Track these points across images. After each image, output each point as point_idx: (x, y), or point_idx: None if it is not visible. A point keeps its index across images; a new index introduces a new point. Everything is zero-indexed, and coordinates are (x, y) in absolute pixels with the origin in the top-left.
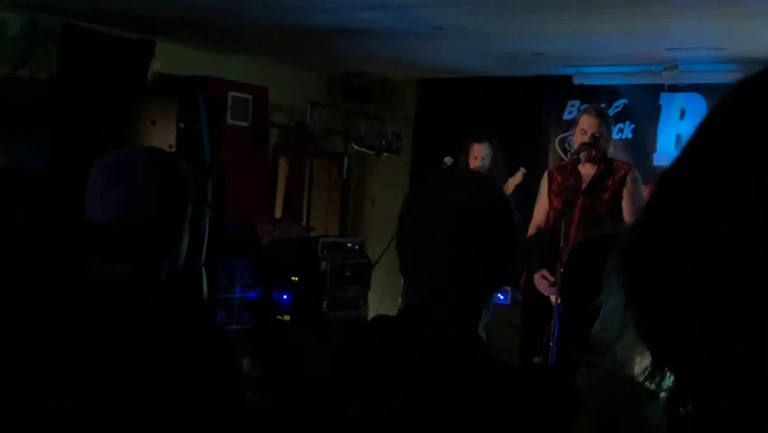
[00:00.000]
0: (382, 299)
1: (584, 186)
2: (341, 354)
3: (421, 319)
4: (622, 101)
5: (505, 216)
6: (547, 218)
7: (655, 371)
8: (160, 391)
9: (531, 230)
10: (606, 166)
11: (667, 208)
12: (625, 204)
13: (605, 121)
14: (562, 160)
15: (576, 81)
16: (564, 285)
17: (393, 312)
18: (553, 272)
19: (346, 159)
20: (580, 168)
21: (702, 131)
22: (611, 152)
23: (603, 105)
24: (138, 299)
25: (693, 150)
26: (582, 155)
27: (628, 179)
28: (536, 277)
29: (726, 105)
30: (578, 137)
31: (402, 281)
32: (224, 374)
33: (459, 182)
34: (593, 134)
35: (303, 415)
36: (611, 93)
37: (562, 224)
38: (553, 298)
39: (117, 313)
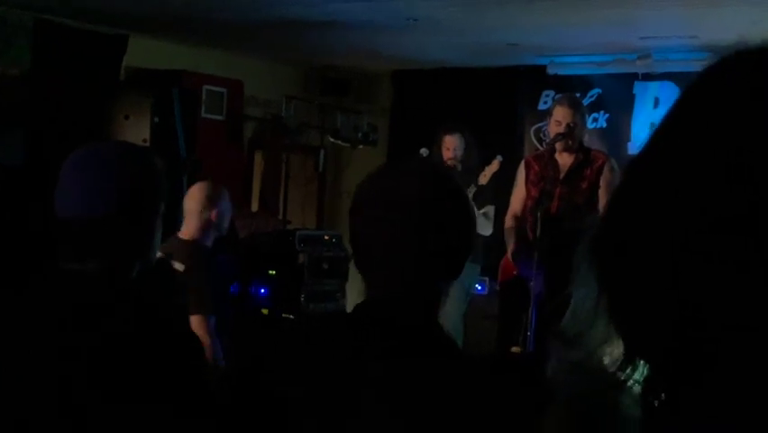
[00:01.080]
0: (361, 292)
1: (562, 175)
2: (291, 355)
3: (376, 314)
4: (596, 90)
5: (457, 204)
6: (524, 207)
7: (627, 361)
8: (121, 392)
9: (508, 219)
10: (583, 155)
11: (637, 195)
12: (602, 193)
13: (579, 110)
14: (538, 149)
15: (550, 71)
16: (544, 275)
17: None
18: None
19: (322, 152)
20: (557, 157)
21: (670, 118)
22: (586, 140)
23: (578, 95)
24: (106, 298)
25: (661, 137)
26: (558, 145)
27: (606, 168)
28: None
29: (693, 92)
30: (553, 128)
31: None
32: (188, 376)
33: (408, 173)
34: (568, 124)
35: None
36: (585, 83)
37: (538, 213)
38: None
39: (84, 312)
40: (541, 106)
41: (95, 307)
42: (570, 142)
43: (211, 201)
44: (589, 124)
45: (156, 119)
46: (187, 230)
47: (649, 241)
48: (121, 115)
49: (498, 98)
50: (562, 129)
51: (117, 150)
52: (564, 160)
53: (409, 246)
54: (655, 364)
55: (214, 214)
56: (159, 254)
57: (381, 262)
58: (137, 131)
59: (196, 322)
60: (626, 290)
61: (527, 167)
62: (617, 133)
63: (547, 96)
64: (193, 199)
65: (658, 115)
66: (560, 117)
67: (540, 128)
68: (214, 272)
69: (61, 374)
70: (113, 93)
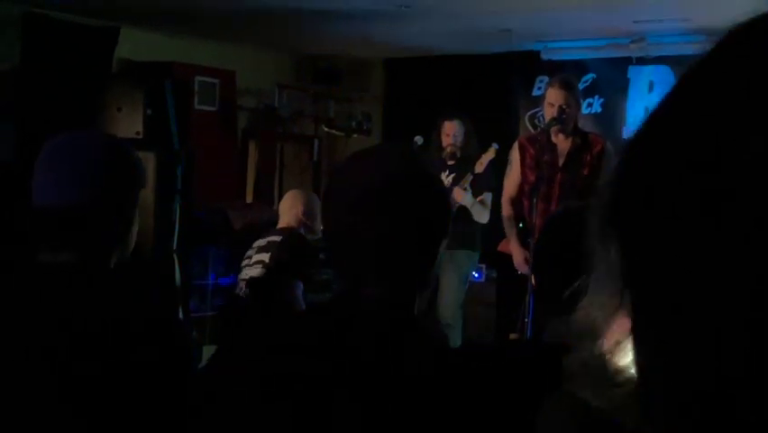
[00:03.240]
0: None
1: (561, 161)
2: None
3: (350, 310)
4: (590, 75)
5: (430, 189)
6: (520, 191)
7: None
8: (97, 387)
9: (504, 204)
10: (581, 140)
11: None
12: (604, 178)
13: (572, 92)
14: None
15: (544, 57)
16: (538, 259)
17: None
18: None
19: (316, 141)
20: (554, 141)
21: (673, 96)
22: (581, 124)
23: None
24: (83, 289)
25: (661, 116)
26: (553, 130)
27: (606, 152)
28: (519, 260)
29: (695, 70)
30: (547, 111)
31: None
32: (166, 370)
33: (378, 160)
34: (560, 107)
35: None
36: (580, 67)
37: (535, 200)
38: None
39: (60, 303)
40: (535, 92)
41: (70, 299)
42: (566, 125)
43: (293, 204)
44: (584, 110)
45: (149, 111)
46: (281, 223)
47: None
48: (113, 107)
49: (492, 85)
50: (555, 112)
51: (91, 140)
52: (562, 144)
53: (379, 236)
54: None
55: (301, 211)
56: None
57: (350, 254)
58: (130, 123)
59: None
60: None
61: (522, 150)
62: (611, 117)
63: (541, 81)
64: (285, 200)
65: (653, 99)
66: (552, 99)
67: (535, 114)
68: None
69: (36, 368)
70: (104, 86)
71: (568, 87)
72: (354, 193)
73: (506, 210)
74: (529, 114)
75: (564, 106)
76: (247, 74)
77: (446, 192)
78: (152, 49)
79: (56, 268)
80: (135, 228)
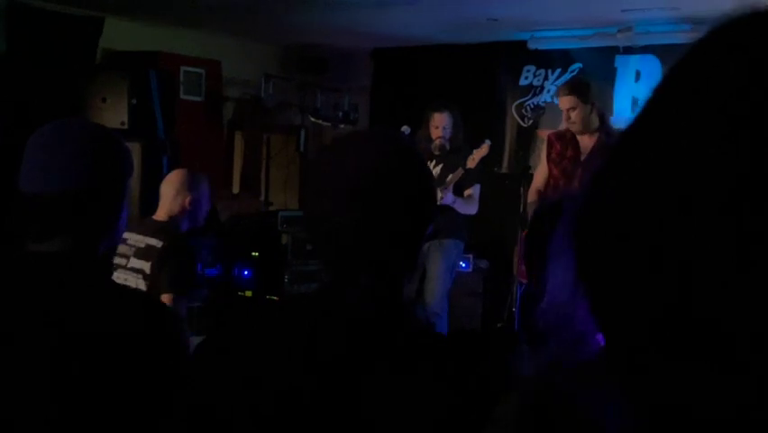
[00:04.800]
0: None
1: (583, 157)
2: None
3: (334, 300)
4: (577, 65)
5: (414, 174)
6: (547, 184)
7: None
8: (88, 376)
9: (531, 193)
10: (606, 137)
11: (627, 170)
12: None
13: (576, 94)
14: (520, 126)
15: (531, 46)
16: (525, 253)
17: None
18: None
19: (303, 131)
20: (579, 138)
21: (662, 88)
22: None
23: (558, 70)
24: (70, 278)
25: (653, 108)
26: (572, 129)
27: None
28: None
29: (684, 63)
30: (563, 117)
31: None
32: (159, 358)
33: (361, 144)
34: (567, 111)
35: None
36: (566, 57)
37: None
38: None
39: (48, 292)
40: (522, 82)
41: (58, 288)
42: (579, 127)
43: (186, 188)
44: None
45: (133, 101)
46: (161, 213)
47: (638, 221)
48: (98, 97)
49: (479, 75)
50: (565, 116)
51: (80, 127)
52: (585, 142)
53: (363, 225)
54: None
55: (188, 200)
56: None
57: (337, 243)
58: (114, 113)
59: (167, 300)
60: (608, 277)
61: (549, 145)
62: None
63: (528, 71)
64: (168, 184)
65: (640, 88)
66: (561, 105)
67: (522, 104)
68: (190, 255)
69: (26, 359)
70: (89, 76)
71: (571, 90)
72: (336, 180)
73: (531, 197)
74: (516, 103)
75: (571, 110)
76: (233, 64)
77: (431, 175)
78: (137, 38)
79: (44, 257)
80: (125, 217)
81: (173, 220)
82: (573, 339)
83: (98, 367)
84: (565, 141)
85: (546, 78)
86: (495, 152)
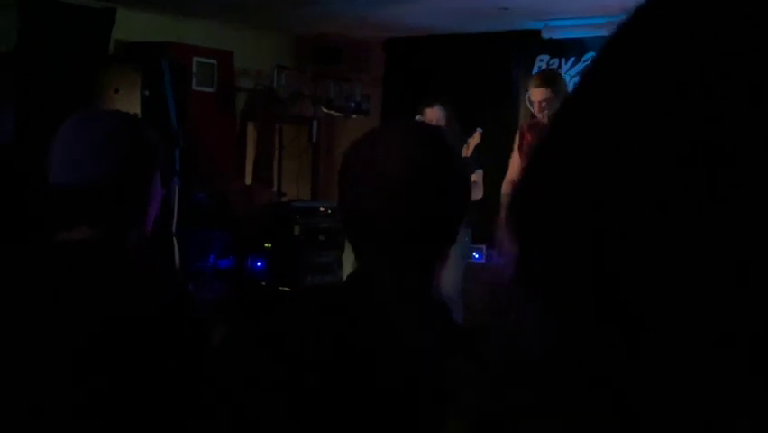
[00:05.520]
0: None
1: None
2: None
3: (366, 289)
4: (591, 54)
5: (447, 165)
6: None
7: None
8: (116, 364)
9: (505, 184)
10: None
11: (564, 143)
12: None
13: (551, 86)
14: (533, 116)
15: (545, 35)
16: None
17: None
18: None
19: (315, 122)
20: None
21: (603, 54)
22: None
23: (572, 59)
24: (100, 266)
25: (593, 74)
26: (543, 119)
27: None
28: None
29: (624, 27)
30: (536, 109)
31: None
32: (187, 348)
33: (394, 135)
34: (539, 103)
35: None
36: (580, 46)
37: None
38: None
39: (76, 281)
40: (535, 71)
41: (86, 277)
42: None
43: None
44: None
45: (146, 92)
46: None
47: (574, 195)
48: (111, 89)
49: (492, 64)
50: (535, 108)
51: (110, 118)
52: None
53: (396, 213)
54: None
55: None
56: None
57: (369, 232)
58: (127, 104)
59: None
60: (541, 255)
61: (521, 135)
62: None
63: (542, 60)
64: None
65: None
66: (533, 97)
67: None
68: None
69: (52, 347)
70: (102, 67)
71: (546, 82)
72: (371, 172)
73: (504, 189)
74: (529, 93)
75: (544, 103)
76: (245, 55)
77: (465, 167)
78: (149, 29)
79: (72, 244)
80: (154, 208)
81: None
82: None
83: (122, 354)
84: (536, 131)
85: (560, 67)
86: (508, 142)
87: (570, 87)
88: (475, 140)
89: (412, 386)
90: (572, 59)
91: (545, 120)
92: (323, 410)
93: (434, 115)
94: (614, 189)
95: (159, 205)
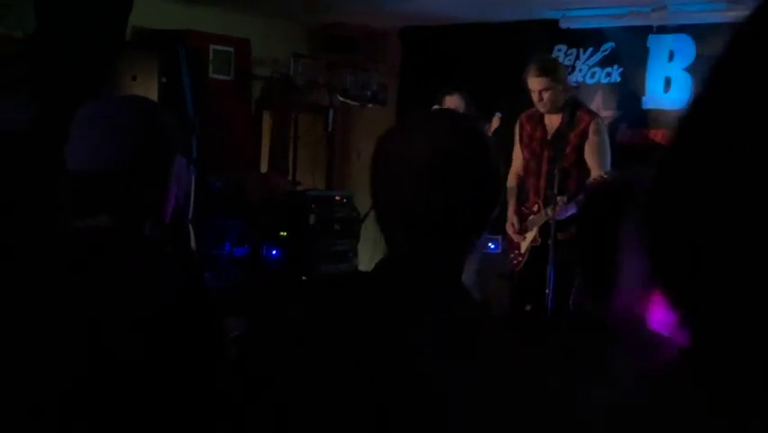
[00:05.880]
0: (374, 253)
1: (549, 137)
2: (308, 317)
3: (395, 276)
4: (609, 44)
5: (478, 154)
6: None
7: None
8: (130, 351)
9: (510, 177)
10: (569, 116)
11: (696, 154)
12: (588, 157)
13: (550, 75)
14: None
15: (563, 25)
16: (578, 236)
17: None
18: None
19: (331, 111)
20: (546, 118)
21: (723, 66)
22: (598, 100)
23: (590, 49)
24: (115, 254)
25: (715, 91)
26: (540, 108)
27: (590, 131)
28: (508, 224)
29: (746, 35)
30: (534, 98)
31: None
32: (204, 339)
33: (427, 123)
34: (539, 92)
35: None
36: (599, 36)
37: (556, 170)
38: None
39: (92, 268)
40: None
41: (103, 264)
42: (548, 107)
43: None
44: (603, 79)
45: (163, 79)
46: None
47: (708, 206)
48: (128, 75)
49: (509, 54)
50: (535, 97)
51: (129, 104)
52: (552, 121)
53: (426, 201)
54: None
55: None
56: None
57: (399, 220)
58: (144, 91)
59: None
60: (678, 262)
61: (521, 127)
62: (630, 87)
63: (559, 50)
64: None
65: (673, 68)
66: (530, 86)
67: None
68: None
69: (69, 335)
70: (119, 54)
71: (544, 71)
72: (403, 162)
73: (510, 182)
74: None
75: (542, 92)
76: (262, 43)
77: (498, 157)
78: (167, 16)
79: (88, 231)
80: (173, 196)
81: None
82: (646, 341)
83: (133, 345)
84: (534, 121)
85: (578, 57)
86: (514, 130)
87: (586, 76)
88: (494, 125)
89: (437, 374)
90: (590, 49)
91: (544, 110)
92: (355, 397)
93: (453, 103)
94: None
95: (187, 188)
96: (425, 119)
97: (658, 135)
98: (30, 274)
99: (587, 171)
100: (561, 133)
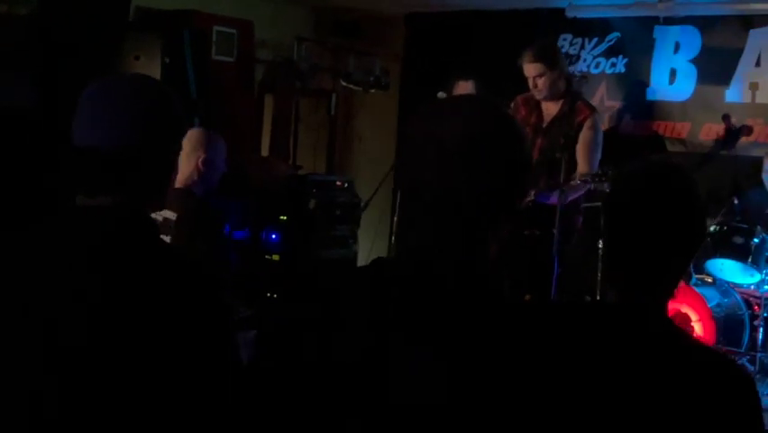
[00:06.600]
0: (375, 239)
1: (545, 125)
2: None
3: (423, 265)
4: (615, 34)
5: (510, 143)
6: None
7: None
8: (134, 333)
9: None
10: (569, 107)
11: None
12: (579, 151)
13: (545, 61)
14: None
15: (569, 14)
16: (606, 224)
17: (383, 252)
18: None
19: (334, 96)
20: (543, 105)
21: None
22: (603, 90)
23: (596, 39)
24: (118, 233)
25: None
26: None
27: (586, 125)
28: None
29: None
30: (530, 84)
31: (395, 218)
32: (210, 322)
33: (458, 108)
34: (533, 79)
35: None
36: (605, 26)
37: (564, 157)
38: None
39: (96, 248)
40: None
41: (107, 243)
42: (544, 95)
43: (200, 146)
44: (607, 69)
45: (167, 60)
46: (177, 178)
47: None
48: (131, 55)
49: (515, 42)
50: (530, 84)
51: (135, 82)
52: (549, 108)
53: (453, 185)
54: None
55: (201, 160)
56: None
57: (426, 204)
58: (148, 71)
59: None
60: None
61: (515, 109)
62: (635, 78)
63: (565, 39)
64: (184, 143)
65: (678, 60)
66: (526, 72)
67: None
68: (210, 222)
69: (70, 315)
70: (122, 34)
71: (538, 57)
72: (430, 146)
73: None
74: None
75: (537, 78)
76: (265, 26)
77: (527, 141)
78: None
79: (93, 210)
80: (173, 177)
81: (186, 187)
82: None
83: (136, 323)
84: (530, 106)
85: (583, 47)
86: None
87: (591, 66)
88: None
89: (463, 361)
90: (596, 39)
91: (540, 96)
92: (383, 383)
93: (466, 89)
94: None
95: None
96: (455, 103)
97: (662, 127)
98: (29, 256)
99: (575, 165)
100: (557, 121)
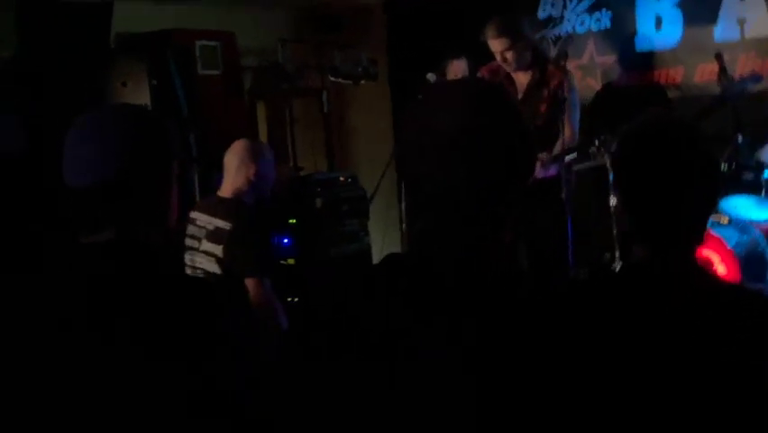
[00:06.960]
0: (386, 228)
1: (520, 96)
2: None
3: (425, 260)
4: None
5: (508, 130)
6: None
7: None
8: (140, 366)
9: None
10: (540, 73)
11: None
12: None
13: (509, 35)
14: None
15: None
16: (617, 184)
17: (396, 241)
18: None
19: (324, 93)
20: (514, 76)
21: None
22: (591, 48)
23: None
24: (122, 269)
25: None
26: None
27: (564, 88)
28: None
29: None
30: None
31: (403, 207)
32: (213, 347)
33: (454, 99)
34: (501, 53)
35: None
36: None
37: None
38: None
39: (99, 285)
40: (541, 15)
41: (110, 279)
42: (514, 66)
43: (250, 158)
44: (593, 26)
45: (154, 82)
46: (226, 188)
47: None
48: (117, 82)
49: (496, 10)
50: (499, 59)
51: (118, 113)
52: (521, 78)
53: (451, 183)
54: None
55: (252, 172)
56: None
57: (428, 196)
58: (136, 96)
59: (251, 286)
60: None
61: None
62: (622, 31)
63: (546, 2)
64: (232, 156)
65: (663, 6)
66: (492, 48)
67: (541, 37)
68: (263, 230)
69: (80, 352)
70: (106, 62)
71: (503, 32)
72: (433, 133)
73: None
74: (536, 38)
75: (505, 53)
76: (247, 33)
77: (529, 133)
78: (148, 19)
79: (96, 248)
80: (174, 201)
81: (238, 197)
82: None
83: (146, 355)
84: (499, 77)
85: (565, 7)
86: None
87: (576, 25)
88: None
89: (473, 356)
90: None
91: (510, 70)
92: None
93: (459, 67)
94: None
95: (178, 194)
96: (452, 92)
97: (656, 75)
98: (39, 297)
99: (560, 129)
100: (533, 90)
